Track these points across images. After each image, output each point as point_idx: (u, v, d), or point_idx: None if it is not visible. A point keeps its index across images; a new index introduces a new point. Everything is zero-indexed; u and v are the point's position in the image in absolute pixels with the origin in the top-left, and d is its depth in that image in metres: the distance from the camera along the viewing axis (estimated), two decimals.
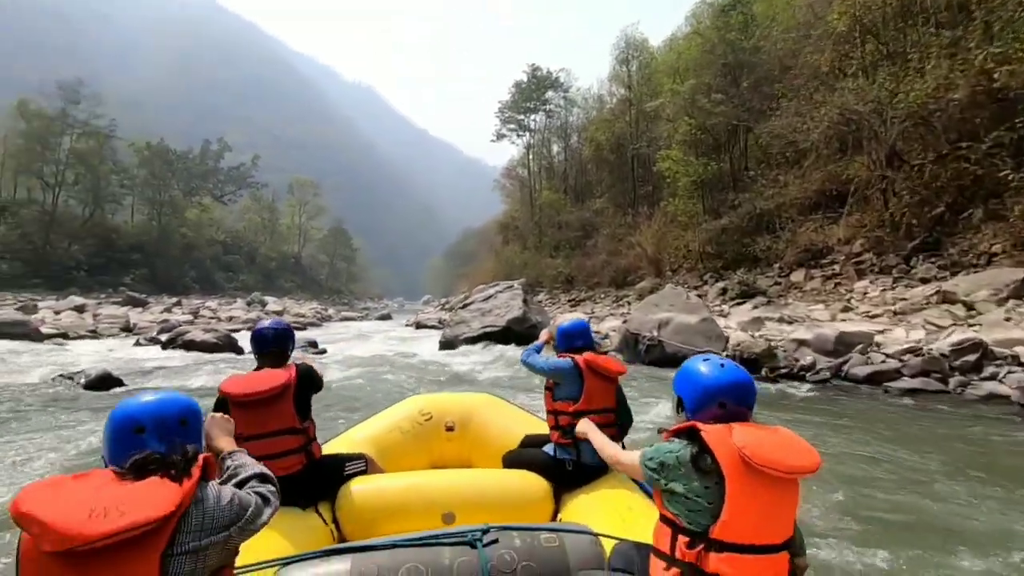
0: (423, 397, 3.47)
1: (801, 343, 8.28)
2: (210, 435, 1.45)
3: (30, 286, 40.64)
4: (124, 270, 51.88)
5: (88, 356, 11.10)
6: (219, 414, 1.56)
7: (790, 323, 11.49)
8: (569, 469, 2.56)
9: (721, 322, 11.01)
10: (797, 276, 15.93)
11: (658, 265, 22.66)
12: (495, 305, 15.21)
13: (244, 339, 20.38)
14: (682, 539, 1.37)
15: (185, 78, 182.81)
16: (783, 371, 8.15)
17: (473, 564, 1.76)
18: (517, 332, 14.44)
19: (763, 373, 8.18)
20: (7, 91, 54.87)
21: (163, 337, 12.06)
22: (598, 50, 46.77)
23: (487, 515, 2.13)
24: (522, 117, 43.47)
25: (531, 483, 2.53)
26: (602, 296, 25.83)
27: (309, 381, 2.45)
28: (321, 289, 78.55)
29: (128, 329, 21.35)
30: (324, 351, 11.95)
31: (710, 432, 1.35)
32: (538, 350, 2.96)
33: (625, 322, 10.72)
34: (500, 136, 43.92)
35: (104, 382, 7.75)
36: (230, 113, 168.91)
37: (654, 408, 6.55)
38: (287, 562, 1.78)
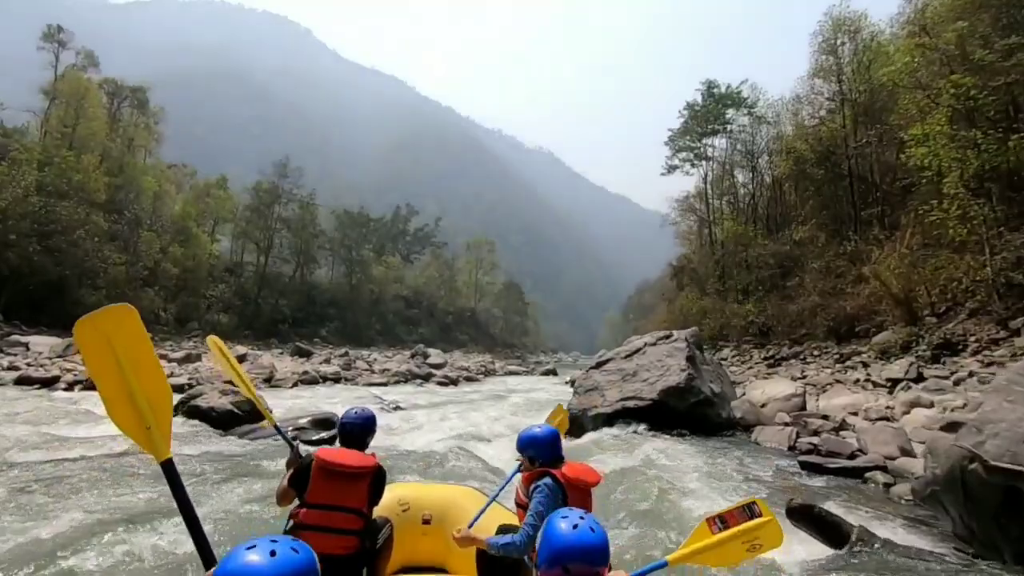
0: (402, 486, 3.32)
1: None
2: None
3: (241, 337, 45.65)
4: (321, 323, 56.81)
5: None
6: None
7: None
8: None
9: None
10: None
11: (909, 306, 15.00)
12: (643, 365, 10.00)
13: (391, 392, 17.98)
14: None
15: (394, 159, 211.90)
16: None
17: None
18: (677, 410, 9.08)
19: None
20: (249, 172, 65.72)
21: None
22: (787, 55, 39.20)
23: None
24: (697, 145, 37.52)
25: None
26: (815, 353, 18.46)
27: (382, 479, 2.59)
28: (494, 342, 79.20)
29: (268, 380, 21.08)
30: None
31: None
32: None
33: (957, 427, 4.83)
34: (671, 168, 38.34)
35: None
36: (428, 184, 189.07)
37: None
38: None
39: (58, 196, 32.81)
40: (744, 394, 10.53)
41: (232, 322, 48.42)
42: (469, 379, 33.71)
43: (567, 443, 9.33)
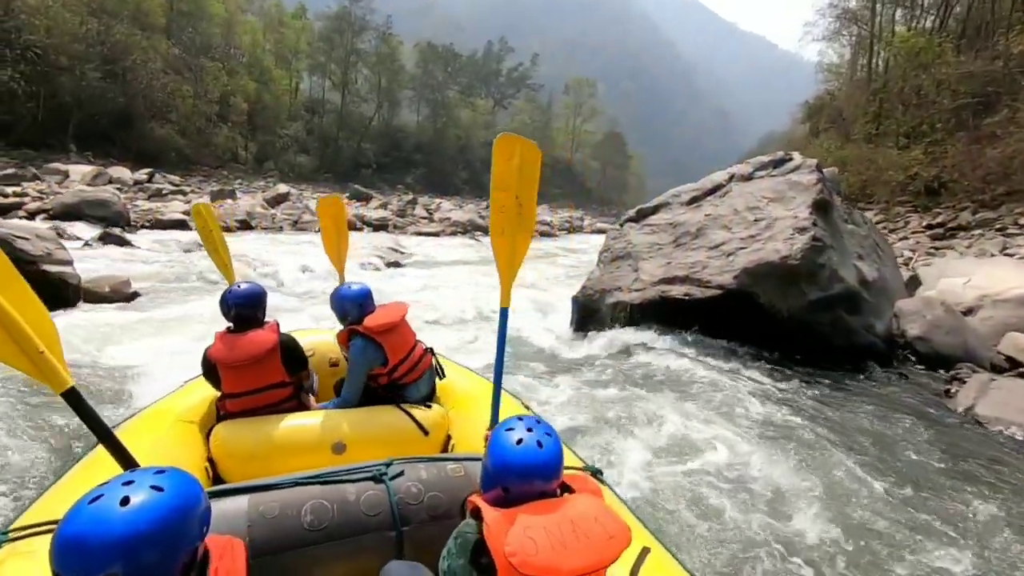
0: (306, 332, 3.22)
1: None
2: None
3: (320, 180, 44.38)
4: (407, 169, 54.24)
5: None
6: None
7: None
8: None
9: None
10: None
11: None
12: (719, 217, 5.36)
13: (430, 244, 13.46)
14: None
15: None
16: None
17: (380, 497, 1.69)
18: (775, 312, 4.59)
19: None
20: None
21: None
22: None
23: (380, 447, 2.11)
24: None
25: (426, 414, 2.40)
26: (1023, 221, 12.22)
27: (291, 347, 2.44)
28: (589, 197, 73.97)
29: (295, 223, 19.42)
30: None
31: (490, 525, 1.11)
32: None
33: None
34: None
35: None
36: (534, 23, 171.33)
37: None
38: None
39: (111, 18, 30.58)
40: (917, 282, 5.51)
41: (311, 164, 47.02)
42: (545, 235, 30.77)
43: (546, 363, 5.09)
